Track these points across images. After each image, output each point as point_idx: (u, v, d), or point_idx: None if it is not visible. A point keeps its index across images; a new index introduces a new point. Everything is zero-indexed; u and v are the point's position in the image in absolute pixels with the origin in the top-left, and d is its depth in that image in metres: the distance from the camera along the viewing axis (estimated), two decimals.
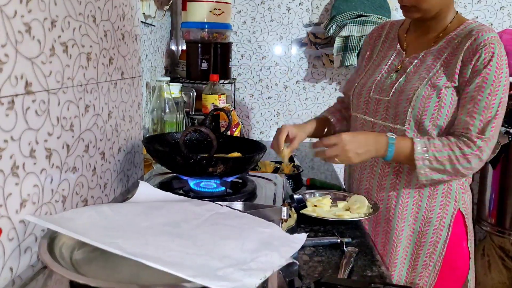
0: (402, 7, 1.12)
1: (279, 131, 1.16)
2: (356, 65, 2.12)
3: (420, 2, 1.07)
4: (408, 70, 1.14)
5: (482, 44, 1.04)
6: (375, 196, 1.21)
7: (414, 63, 1.14)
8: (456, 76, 1.07)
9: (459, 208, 1.17)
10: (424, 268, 1.18)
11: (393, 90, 1.14)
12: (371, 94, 1.18)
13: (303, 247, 1.02)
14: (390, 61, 1.20)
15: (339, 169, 2.40)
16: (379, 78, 1.19)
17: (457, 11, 1.16)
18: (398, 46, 1.21)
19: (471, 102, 1.05)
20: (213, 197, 0.88)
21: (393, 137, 1.07)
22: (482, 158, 1.05)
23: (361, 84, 1.22)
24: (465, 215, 1.18)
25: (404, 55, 1.18)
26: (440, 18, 1.13)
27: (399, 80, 1.14)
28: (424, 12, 1.09)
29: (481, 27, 1.08)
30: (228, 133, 1.18)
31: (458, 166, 1.04)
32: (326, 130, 1.32)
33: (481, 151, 1.04)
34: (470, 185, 1.23)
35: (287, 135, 1.15)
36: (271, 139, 1.17)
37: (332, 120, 1.33)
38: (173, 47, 2.20)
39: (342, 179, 1.77)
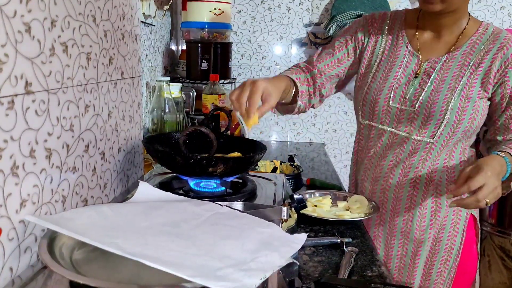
0: None
1: (252, 88, 0.88)
2: None
3: None
4: (432, 78, 1.06)
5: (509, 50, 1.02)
6: (390, 208, 1.17)
7: (436, 69, 1.07)
8: (490, 87, 1.04)
9: (471, 212, 1.16)
10: (438, 275, 1.15)
11: (420, 101, 1.06)
12: (390, 103, 1.10)
13: (303, 247, 1.02)
14: (404, 64, 1.10)
15: (339, 169, 2.41)
16: (396, 84, 1.10)
17: (468, 12, 1.11)
18: (410, 45, 1.11)
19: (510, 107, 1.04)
20: (213, 197, 0.88)
21: (507, 158, 0.98)
22: None
23: (375, 89, 1.12)
24: (477, 217, 1.17)
25: (420, 57, 1.10)
26: (457, 17, 1.06)
27: (424, 89, 1.06)
28: (448, 4, 0.99)
29: (506, 34, 1.05)
30: (228, 133, 1.18)
31: None
32: (289, 92, 1.08)
33: None
34: None
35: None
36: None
37: (296, 81, 1.10)
38: (173, 47, 2.20)
39: (341, 180, 1.77)
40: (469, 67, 1.05)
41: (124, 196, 0.94)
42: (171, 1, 1.90)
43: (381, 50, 1.15)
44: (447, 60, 1.07)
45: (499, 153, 0.98)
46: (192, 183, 0.92)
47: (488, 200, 0.89)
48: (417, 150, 1.10)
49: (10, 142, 0.61)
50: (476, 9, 2.27)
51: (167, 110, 1.49)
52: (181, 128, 1.58)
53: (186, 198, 0.84)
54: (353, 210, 1.19)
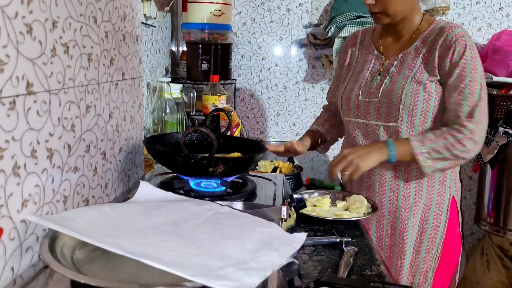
0: (372, 14, 1.22)
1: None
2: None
3: (386, 8, 1.18)
4: (390, 71, 1.24)
5: (454, 38, 1.15)
6: (377, 191, 1.28)
7: (394, 64, 1.25)
8: (436, 71, 1.18)
9: (453, 195, 1.28)
10: (427, 252, 1.26)
11: (381, 91, 1.23)
12: (359, 98, 1.27)
13: (302, 247, 1.02)
14: (371, 65, 1.30)
15: None
16: (364, 82, 1.28)
17: (423, 13, 1.29)
18: (375, 51, 1.31)
19: (456, 91, 1.14)
20: (214, 197, 0.88)
21: (390, 139, 1.19)
22: (475, 139, 1.13)
23: (348, 90, 1.32)
24: (457, 201, 1.29)
25: (383, 58, 1.28)
26: (408, 21, 1.24)
27: (384, 81, 1.24)
28: (392, 17, 1.20)
29: (451, 24, 1.20)
30: (228, 133, 1.18)
31: (456, 151, 1.13)
32: (319, 140, 1.44)
33: (473, 133, 1.12)
34: (469, 185, 1.27)
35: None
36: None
37: (321, 131, 1.44)
38: (173, 48, 2.20)
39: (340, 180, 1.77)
40: (420, 58, 1.21)
41: (125, 196, 0.94)
42: (171, 3, 1.90)
43: (354, 59, 1.37)
44: (404, 56, 1.24)
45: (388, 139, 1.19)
46: (192, 183, 0.93)
47: (347, 172, 1.13)
48: (388, 135, 1.23)
49: (11, 142, 0.61)
50: (475, 10, 2.27)
51: (167, 111, 1.50)
52: (182, 129, 1.59)
53: (187, 197, 0.84)
54: (352, 209, 1.19)
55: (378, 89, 1.24)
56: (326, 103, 1.55)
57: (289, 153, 1.38)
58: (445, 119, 1.19)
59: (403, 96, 1.19)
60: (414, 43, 1.24)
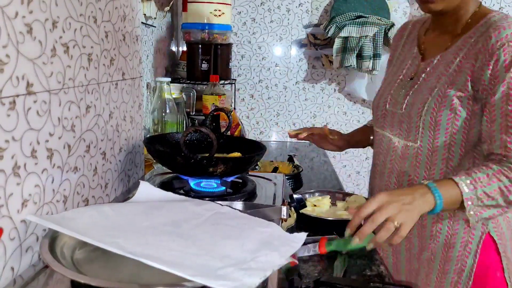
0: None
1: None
2: (354, 66, 2.12)
3: None
4: (421, 78, 1.01)
5: (499, 43, 0.88)
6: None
7: (428, 69, 1.01)
8: (469, 84, 0.92)
9: (488, 232, 0.98)
10: None
11: (405, 103, 1.01)
12: (387, 106, 1.06)
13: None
14: (407, 67, 1.07)
15: (339, 169, 2.41)
16: (395, 87, 1.07)
17: (480, 3, 1.00)
18: (416, 48, 1.07)
19: (503, 116, 0.88)
20: (214, 197, 0.88)
21: (430, 181, 0.86)
22: None
23: (379, 95, 1.11)
24: (497, 240, 0.99)
25: (420, 58, 1.05)
26: (462, 12, 0.98)
27: (412, 90, 1.01)
28: (448, 2, 0.94)
29: (501, 22, 0.90)
30: (228, 133, 1.18)
31: (511, 196, 0.86)
32: (371, 138, 1.20)
33: None
34: None
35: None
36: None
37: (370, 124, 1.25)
38: (173, 48, 2.20)
39: (341, 180, 1.77)
40: (454, 65, 0.95)
41: (125, 196, 0.94)
42: (171, 3, 1.90)
43: (396, 55, 1.15)
44: (440, 59, 0.99)
45: (428, 180, 0.88)
46: (192, 183, 0.93)
47: (397, 222, 0.78)
48: (406, 155, 1.01)
49: (11, 142, 0.61)
50: None
51: (167, 111, 1.50)
52: (182, 129, 1.59)
53: (187, 197, 0.84)
54: None
55: (404, 99, 1.02)
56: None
57: (314, 137, 1.23)
58: (488, 149, 0.91)
59: (423, 112, 0.96)
60: (456, 42, 0.97)
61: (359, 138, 1.27)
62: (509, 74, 0.87)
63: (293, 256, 0.63)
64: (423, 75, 1.01)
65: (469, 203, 0.85)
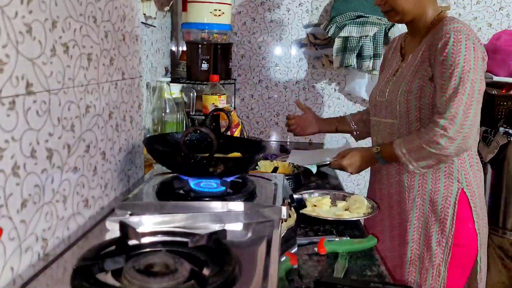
0: (383, 13, 1.28)
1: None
2: (354, 66, 2.12)
3: (394, 6, 1.22)
4: (398, 73, 1.31)
5: (441, 34, 1.15)
6: (385, 182, 1.35)
7: (403, 66, 1.31)
8: (429, 68, 1.20)
9: (462, 188, 1.25)
10: (438, 245, 1.27)
11: (387, 92, 1.31)
12: (377, 98, 1.36)
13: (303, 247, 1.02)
14: (392, 68, 1.37)
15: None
16: (382, 84, 1.37)
17: (441, 11, 1.27)
18: (398, 52, 1.38)
19: (437, 87, 1.17)
20: (213, 197, 0.88)
21: (378, 147, 1.30)
22: (450, 136, 1.12)
23: (373, 90, 1.43)
24: (469, 196, 1.25)
25: (401, 60, 1.35)
26: (422, 19, 1.26)
27: (390, 82, 1.32)
28: (401, 14, 1.24)
29: (452, 20, 1.18)
30: (228, 133, 1.18)
31: (431, 149, 1.15)
32: (340, 126, 1.64)
33: (445, 129, 1.12)
34: None
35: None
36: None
37: (348, 118, 1.62)
38: (173, 48, 2.20)
39: (341, 180, 1.77)
40: (418, 57, 1.24)
41: (125, 196, 0.94)
42: (171, 2, 1.90)
43: (387, 62, 1.45)
44: (412, 56, 1.28)
45: (377, 148, 1.31)
46: (192, 183, 0.93)
47: (348, 170, 1.34)
48: (392, 132, 1.30)
49: (11, 142, 0.61)
50: (475, 9, 2.27)
51: (167, 111, 1.50)
52: (182, 129, 1.59)
53: None
54: (352, 210, 1.19)
55: (386, 89, 1.32)
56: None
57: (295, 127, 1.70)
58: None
59: (398, 94, 1.25)
60: (421, 43, 1.26)
61: (330, 122, 1.69)
62: (442, 57, 1.14)
63: (293, 256, 0.63)
64: (399, 70, 1.32)
65: (402, 158, 1.21)
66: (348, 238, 1.03)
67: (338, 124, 1.64)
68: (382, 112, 1.34)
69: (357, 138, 1.64)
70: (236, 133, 1.80)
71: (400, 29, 2.17)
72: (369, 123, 1.47)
